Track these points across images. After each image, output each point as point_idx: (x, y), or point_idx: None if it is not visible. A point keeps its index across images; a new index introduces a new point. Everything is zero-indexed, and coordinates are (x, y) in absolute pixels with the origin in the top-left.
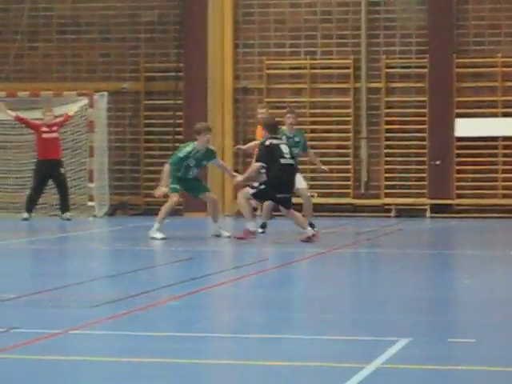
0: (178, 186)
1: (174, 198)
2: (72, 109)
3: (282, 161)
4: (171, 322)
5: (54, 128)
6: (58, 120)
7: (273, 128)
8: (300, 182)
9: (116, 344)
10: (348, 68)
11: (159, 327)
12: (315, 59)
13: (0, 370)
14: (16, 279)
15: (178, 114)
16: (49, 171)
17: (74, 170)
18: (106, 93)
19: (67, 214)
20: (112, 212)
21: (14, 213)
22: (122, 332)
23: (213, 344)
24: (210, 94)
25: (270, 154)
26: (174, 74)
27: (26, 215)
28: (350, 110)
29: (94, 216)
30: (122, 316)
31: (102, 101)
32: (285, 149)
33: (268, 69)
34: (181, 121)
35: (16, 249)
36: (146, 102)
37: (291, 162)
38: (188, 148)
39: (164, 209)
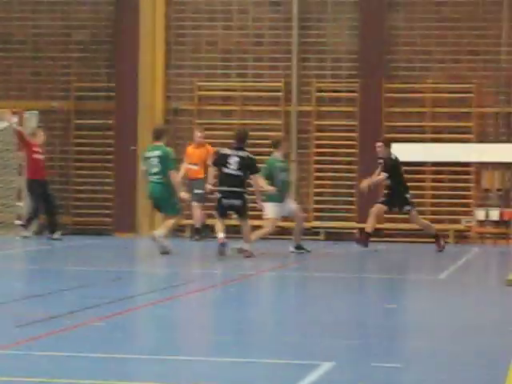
0: None
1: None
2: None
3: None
4: (93, 342)
5: (41, 149)
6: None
7: (239, 139)
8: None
9: (36, 364)
10: (279, 91)
11: (82, 348)
12: (246, 81)
13: None
14: None
15: (109, 133)
16: (41, 190)
17: (2, 188)
18: (36, 111)
19: (56, 234)
20: (39, 231)
21: None
22: (45, 352)
23: (133, 365)
24: (140, 115)
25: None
26: (105, 93)
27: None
28: (281, 133)
29: (23, 235)
30: (46, 336)
31: (31, 119)
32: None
33: (199, 90)
34: (111, 140)
35: None
36: (77, 121)
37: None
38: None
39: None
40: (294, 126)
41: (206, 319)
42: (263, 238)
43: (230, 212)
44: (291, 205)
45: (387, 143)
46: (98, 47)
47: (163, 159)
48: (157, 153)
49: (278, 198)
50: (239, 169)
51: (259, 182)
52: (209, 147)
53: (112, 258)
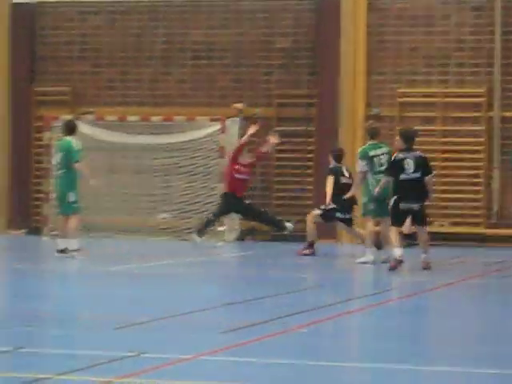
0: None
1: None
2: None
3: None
4: (298, 349)
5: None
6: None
7: (406, 139)
8: None
9: (240, 370)
10: (481, 97)
11: (286, 354)
12: (448, 87)
13: None
14: (148, 303)
15: (310, 140)
16: (234, 203)
17: (205, 195)
18: (238, 118)
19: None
20: (241, 237)
21: (145, 236)
22: (249, 359)
23: (337, 373)
24: (341, 121)
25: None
26: (306, 100)
27: (198, 239)
28: (483, 139)
29: (224, 241)
30: (251, 343)
31: (233, 126)
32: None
33: (400, 97)
34: (312, 147)
35: (145, 273)
36: (278, 128)
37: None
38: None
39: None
40: (496, 132)
41: (408, 328)
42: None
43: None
44: None
45: None
46: (299, 54)
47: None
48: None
49: None
50: (416, 171)
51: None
52: None
53: (311, 264)
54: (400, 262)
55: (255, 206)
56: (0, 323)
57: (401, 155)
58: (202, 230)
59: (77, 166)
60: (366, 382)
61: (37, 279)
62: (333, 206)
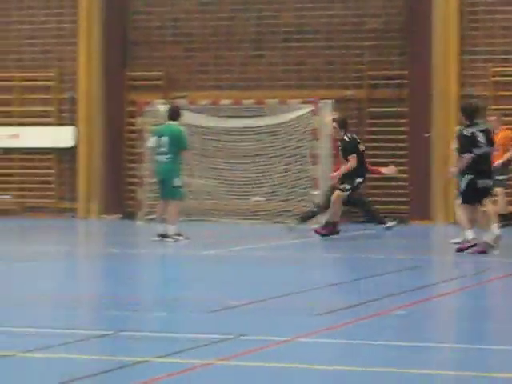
0: None
1: None
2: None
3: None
4: (397, 331)
5: None
6: None
7: (469, 114)
8: None
9: (339, 352)
10: None
11: (386, 336)
12: None
13: (227, 377)
14: (242, 286)
15: (402, 121)
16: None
17: (298, 178)
18: (330, 100)
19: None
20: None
21: (239, 219)
22: (347, 340)
23: (438, 354)
24: (434, 102)
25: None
26: (397, 81)
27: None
28: None
29: (319, 223)
30: (348, 324)
31: (325, 108)
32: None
33: (494, 76)
34: (404, 128)
35: (239, 256)
36: (370, 109)
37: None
38: None
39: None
40: None
41: (506, 308)
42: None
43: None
44: None
45: None
46: (390, 35)
47: None
48: None
49: None
50: (488, 144)
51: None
52: (508, 132)
53: (406, 246)
54: (473, 245)
55: (362, 199)
56: (99, 307)
57: (469, 130)
58: (304, 219)
59: (185, 153)
60: (463, 362)
61: (133, 263)
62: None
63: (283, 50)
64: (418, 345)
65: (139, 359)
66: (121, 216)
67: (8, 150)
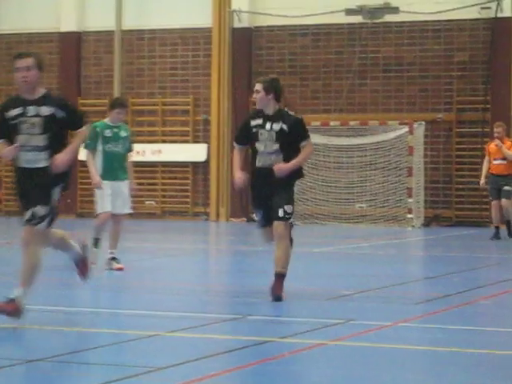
0: None
1: None
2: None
3: None
4: (481, 317)
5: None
6: None
7: None
8: None
9: (432, 335)
10: None
11: (471, 322)
12: None
13: (338, 355)
14: (350, 278)
15: (486, 140)
16: None
17: (396, 188)
18: (423, 122)
19: None
20: (427, 223)
21: (345, 222)
22: (440, 325)
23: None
24: None
25: None
26: (482, 106)
27: None
28: None
29: (413, 226)
30: (441, 312)
31: (419, 129)
32: None
33: None
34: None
35: (346, 253)
36: (458, 130)
37: None
38: None
39: None
40: None
41: None
42: None
43: None
44: None
45: None
46: (475, 66)
47: None
48: None
49: None
50: None
51: None
52: None
53: (489, 246)
54: None
55: None
56: (230, 295)
57: None
58: None
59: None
60: None
61: (258, 259)
62: None
63: (384, 79)
64: (501, 330)
65: (266, 339)
66: (245, 219)
67: (152, 164)
